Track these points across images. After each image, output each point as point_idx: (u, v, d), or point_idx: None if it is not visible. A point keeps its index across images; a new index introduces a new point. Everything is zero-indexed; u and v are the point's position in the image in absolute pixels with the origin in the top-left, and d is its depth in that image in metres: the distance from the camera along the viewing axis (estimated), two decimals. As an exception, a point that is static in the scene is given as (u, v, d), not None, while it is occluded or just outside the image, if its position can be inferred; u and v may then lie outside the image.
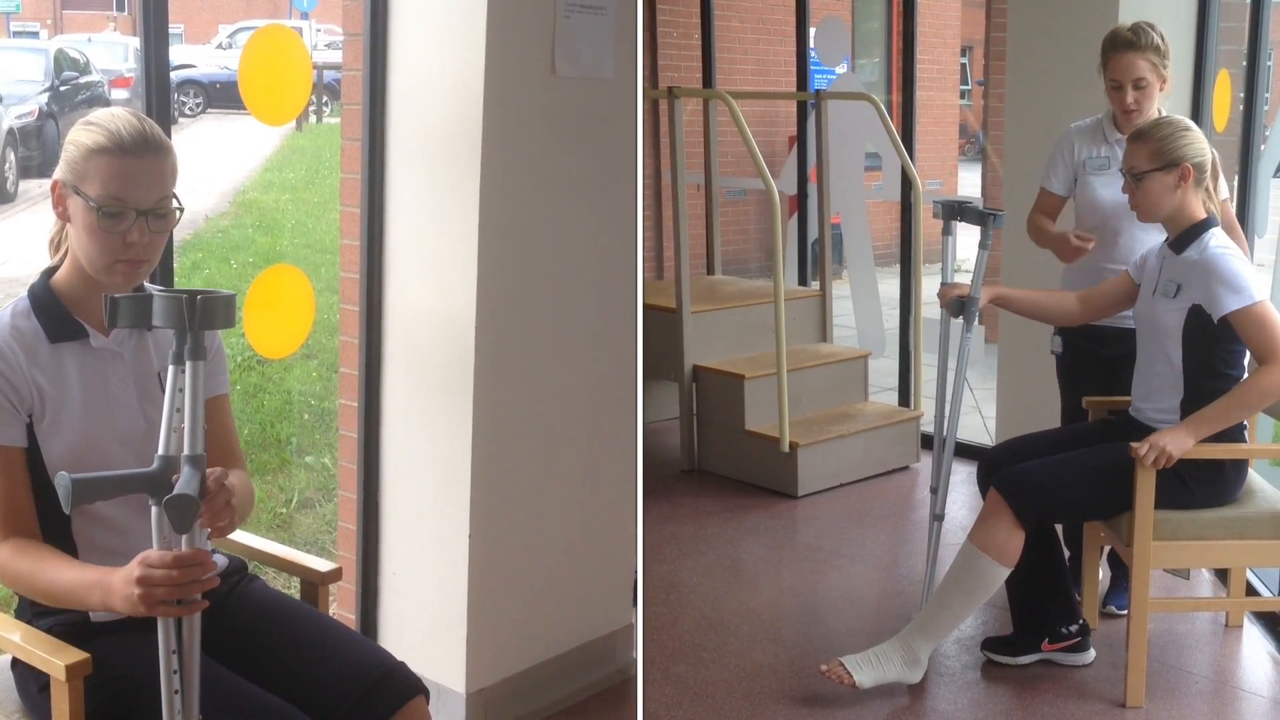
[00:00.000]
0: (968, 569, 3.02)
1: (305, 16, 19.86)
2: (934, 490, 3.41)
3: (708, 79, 6.80)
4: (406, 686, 2.06)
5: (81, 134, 1.97)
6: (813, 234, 6.01)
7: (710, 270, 5.94)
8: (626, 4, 2.99)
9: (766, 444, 4.67)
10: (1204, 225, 2.99)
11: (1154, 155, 2.96)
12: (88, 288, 2.01)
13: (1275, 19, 4.13)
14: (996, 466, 3.10)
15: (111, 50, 15.31)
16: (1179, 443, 2.88)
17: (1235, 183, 4.05)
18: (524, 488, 3.03)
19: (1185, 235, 3.00)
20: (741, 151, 4.89)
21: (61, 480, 1.69)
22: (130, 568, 1.76)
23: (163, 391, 2.02)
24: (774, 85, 8.81)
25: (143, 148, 1.95)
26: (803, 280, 6.18)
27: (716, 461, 4.91)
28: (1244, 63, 4.02)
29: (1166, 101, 3.30)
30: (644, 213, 7.09)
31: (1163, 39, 3.22)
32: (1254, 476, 3.21)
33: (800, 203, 6.19)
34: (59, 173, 1.98)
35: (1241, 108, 4.06)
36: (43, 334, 1.98)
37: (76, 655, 1.88)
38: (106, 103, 13.12)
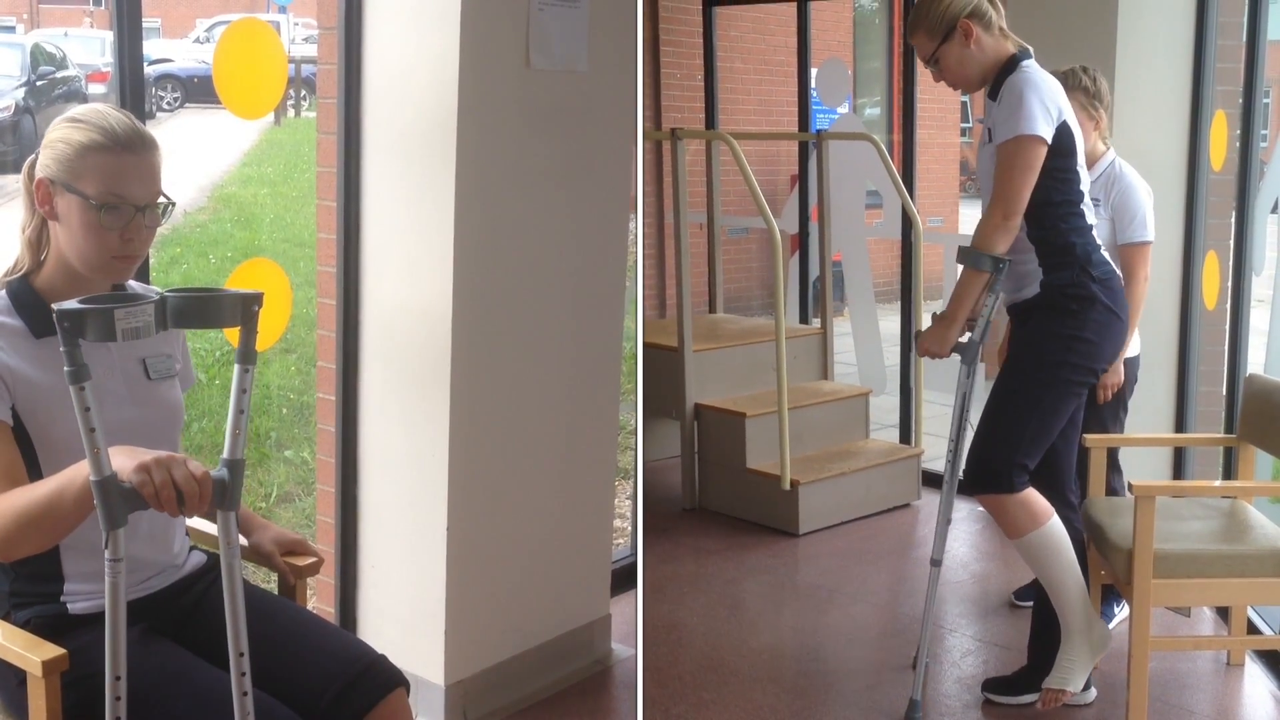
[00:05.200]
0: (1032, 556, 3.05)
1: (283, 10, 19.77)
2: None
3: (710, 120, 6.85)
4: (387, 679, 2.06)
5: (72, 131, 1.94)
6: (814, 272, 6.03)
7: (712, 309, 5.96)
8: None
9: (768, 482, 4.67)
10: (1013, 61, 2.94)
11: (930, 33, 2.95)
12: (71, 285, 1.98)
13: (1272, 57, 4.16)
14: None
15: (88, 45, 15.26)
16: (940, 340, 2.97)
17: (1233, 220, 4.07)
18: (501, 480, 3.03)
19: (999, 77, 2.95)
20: (743, 191, 4.92)
21: (118, 486, 1.62)
22: (150, 452, 1.70)
23: (149, 378, 2.07)
24: (776, 126, 8.87)
25: (138, 144, 1.95)
26: (804, 318, 6.20)
27: (718, 500, 4.91)
28: (1240, 101, 4.05)
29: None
30: (646, 252, 7.14)
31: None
32: (1253, 513, 3.21)
33: (802, 241, 6.22)
34: (45, 171, 1.95)
35: (1238, 145, 4.09)
36: (26, 330, 1.96)
37: (53, 651, 1.86)
38: (84, 98, 13.09)
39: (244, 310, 1.69)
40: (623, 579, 3.65)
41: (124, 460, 1.67)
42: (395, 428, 3.00)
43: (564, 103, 2.92)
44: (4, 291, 2.00)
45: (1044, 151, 2.84)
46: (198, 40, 19.10)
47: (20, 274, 2.01)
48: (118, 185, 1.92)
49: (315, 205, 3.04)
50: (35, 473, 1.94)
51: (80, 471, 1.74)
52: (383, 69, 2.83)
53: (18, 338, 1.95)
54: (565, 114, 2.92)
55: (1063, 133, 2.88)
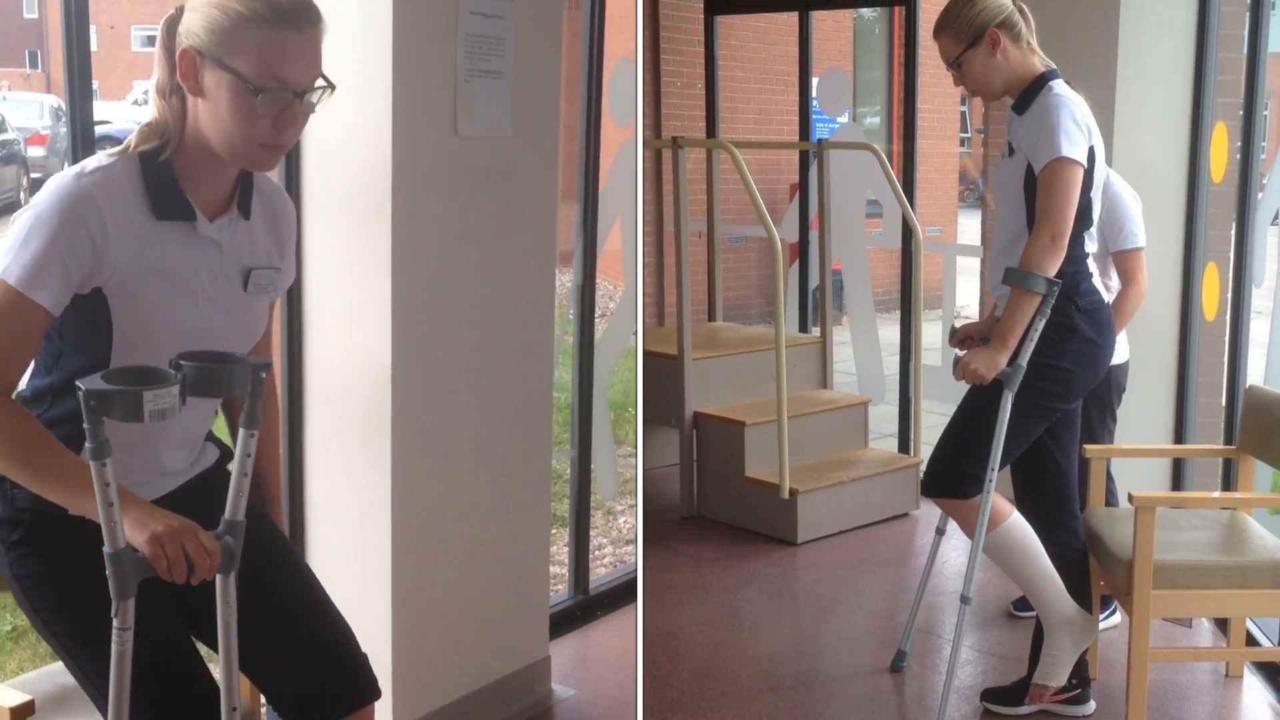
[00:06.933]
0: (996, 556, 3.09)
1: None
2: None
3: (711, 128, 6.86)
4: (360, 693, 2.01)
5: None
6: (814, 281, 6.03)
7: (711, 317, 5.96)
8: (547, 67, 3.13)
9: (766, 490, 4.67)
10: (1042, 79, 2.93)
11: (957, 37, 2.94)
12: (207, 167, 1.80)
13: (1272, 70, 4.17)
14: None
15: (26, 109, 15.26)
16: (989, 363, 2.88)
17: (1233, 231, 4.07)
18: (442, 526, 3.09)
19: (1026, 93, 2.94)
20: (743, 199, 4.93)
21: (131, 556, 1.61)
22: (160, 518, 1.65)
23: (245, 290, 1.90)
24: (776, 135, 8.90)
25: (304, 17, 1.72)
26: (803, 327, 6.20)
27: (716, 508, 4.90)
28: (1240, 112, 4.06)
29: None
30: (646, 260, 7.15)
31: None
32: (1253, 525, 3.21)
33: (801, 250, 6.23)
34: (193, 40, 1.72)
35: (1239, 157, 4.09)
36: (148, 207, 1.77)
37: (20, 698, 1.91)
38: (23, 161, 13.13)
39: (254, 377, 1.65)
40: (563, 622, 3.72)
41: (136, 530, 1.63)
42: (339, 477, 3.07)
43: (491, 166, 3.06)
44: (138, 157, 1.79)
45: (1080, 173, 2.83)
46: (135, 102, 19.10)
47: (164, 151, 1.79)
48: (278, 66, 1.71)
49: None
50: (101, 351, 1.78)
51: (85, 492, 1.63)
52: (320, 136, 2.91)
53: (136, 214, 1.76)
54: (493, 176, 3.06)
55: (1088, 158, 2.87)
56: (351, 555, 3.04)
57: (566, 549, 4.04)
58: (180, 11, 1.78)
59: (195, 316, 1.83)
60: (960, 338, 3.22)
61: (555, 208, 3.25)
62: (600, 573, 4.07)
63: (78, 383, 1.55)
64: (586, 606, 3.80)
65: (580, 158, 3.74)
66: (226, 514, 1.70)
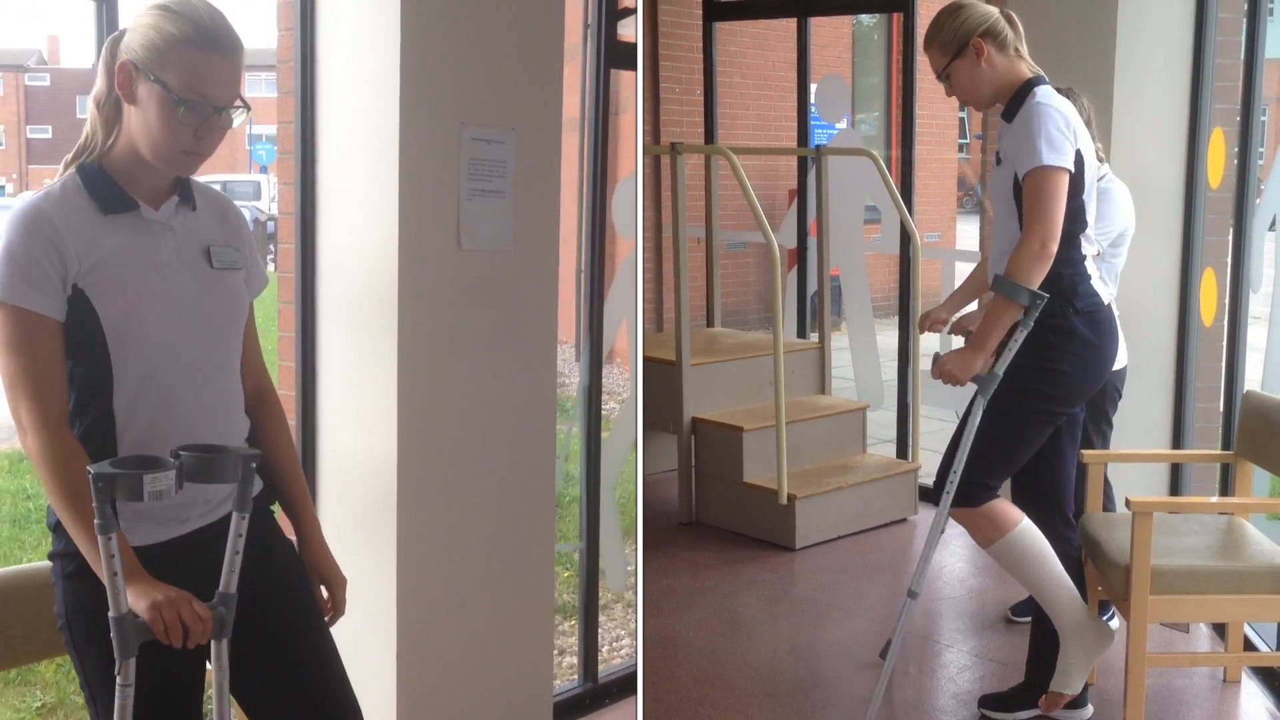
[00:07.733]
0: (1007, 562, 3.07)
1: (264, 170, 21.05)
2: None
3: (710, 135, 6.87)
4: None
5: (164, 20, 1.94)
6: (812, 286, 6.04)
7: (710, 323, 5.97)
8: (546, 185, 3.29)
9: (765, 496, 4.67)
10: (1028, 86, 2.95)
11: (943, 48, 2.97)
12: (141, 169, 1.98)
13: (1269, 75, 4.18)
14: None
15: None
16: (963, 365, 2.89)
17: (1230, 237, 4.08)
18: (447, 616, 3.17)
19: (1013, 101, 2.96)
20: (742, 205, 4.94)
21: (132, 621, 1.78)
22: (160, 589, 1.83)
23: (212, 266, 2.03)
24: (775, 141, 8.91)
25: (228, 44, 1.95)
26: (802, 333, 6.21)
27: (715, 514, 4.91)
28: (1238, 118, 4.06)
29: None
30: (645, 266, 7.16)
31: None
32: (1250, 530, 3.21)
33: (800, 256, 6.24)
34: (131, 54, 1.94)
35: (1236, 162, 4.10)
36: (95, 206, 1.95)
37: None
38: None
39: (243, 467, 1.85)
40: (570, 709, 3.69)
41: (138, 598, 1.81)
42: (348, 565, 3.10)
43: (492, 277, 3.20)
44: (77, 172, 1.99)
45: (1067, 178, 2.83)
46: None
47: (92, 155, 2.00)
48: (201, 83, 1.92)
49: (278, 366, 3.25)
50: (99, 351, 1.91)
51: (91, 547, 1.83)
52: (334, 248, 3.09)
53: (85, 215, 1.94)
54: (494, 286, 3.21)
55: (1075, 162, 2.87)
56: (356, 645, 3.08)
57: (573, 640, 4.02)
58: (123, 32, 2.00)
59: (168, 291, 1.97)
60: (962, 329, 3.25)
61: (554, 315, 3.40)
62: (616, 663, 4.07)
63: (89, 468, 1.74)
64: (595, 695, 3.80)
65: (586, 267, 3.88)
66: (220, 586, 1.87)
